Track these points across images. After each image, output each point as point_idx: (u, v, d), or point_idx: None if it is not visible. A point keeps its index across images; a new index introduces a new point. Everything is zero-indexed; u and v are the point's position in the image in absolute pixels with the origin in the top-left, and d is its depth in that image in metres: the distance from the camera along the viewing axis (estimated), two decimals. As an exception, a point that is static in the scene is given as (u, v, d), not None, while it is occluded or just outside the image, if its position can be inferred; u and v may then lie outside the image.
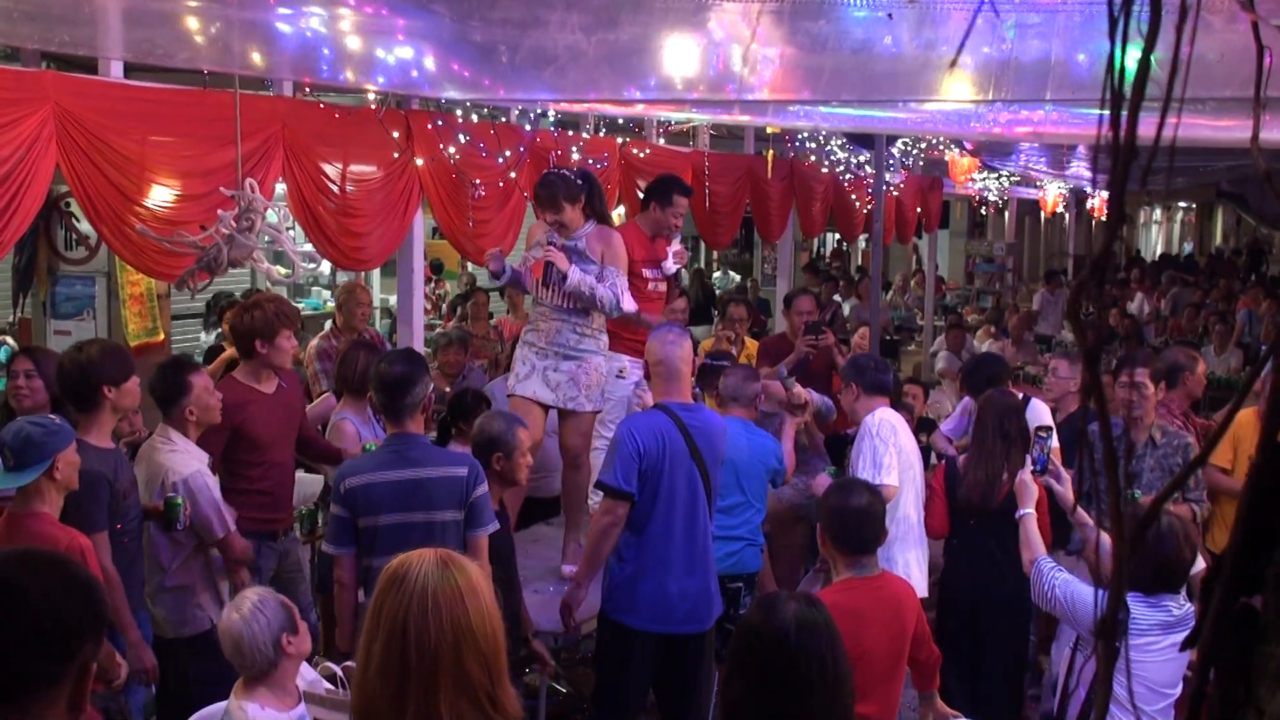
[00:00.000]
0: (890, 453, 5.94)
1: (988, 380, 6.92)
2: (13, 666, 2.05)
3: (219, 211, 5.89)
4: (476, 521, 4.98)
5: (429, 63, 6.69)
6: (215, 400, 5.43)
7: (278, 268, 6.37)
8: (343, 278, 12.24)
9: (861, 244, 24.66)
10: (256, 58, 6.14)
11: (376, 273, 14.91)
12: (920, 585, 5.92)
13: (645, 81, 6.93)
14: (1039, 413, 6.72)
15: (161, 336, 8.64)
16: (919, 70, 5.95)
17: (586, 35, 5.41)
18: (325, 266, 12.21)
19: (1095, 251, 0.79)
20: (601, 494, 5.36)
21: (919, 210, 18.07)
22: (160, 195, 6.06)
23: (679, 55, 6.16)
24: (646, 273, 7.22)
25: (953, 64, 5.14)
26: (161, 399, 5.40)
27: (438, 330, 11.35)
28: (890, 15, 4.62)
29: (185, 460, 5.28)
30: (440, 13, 5.43)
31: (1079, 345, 0.98)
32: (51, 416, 4.69)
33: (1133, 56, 0.90)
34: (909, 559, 6.01)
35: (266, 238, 6.06)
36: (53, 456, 4.48)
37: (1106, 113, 0.88)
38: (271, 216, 6.18)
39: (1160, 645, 4.38)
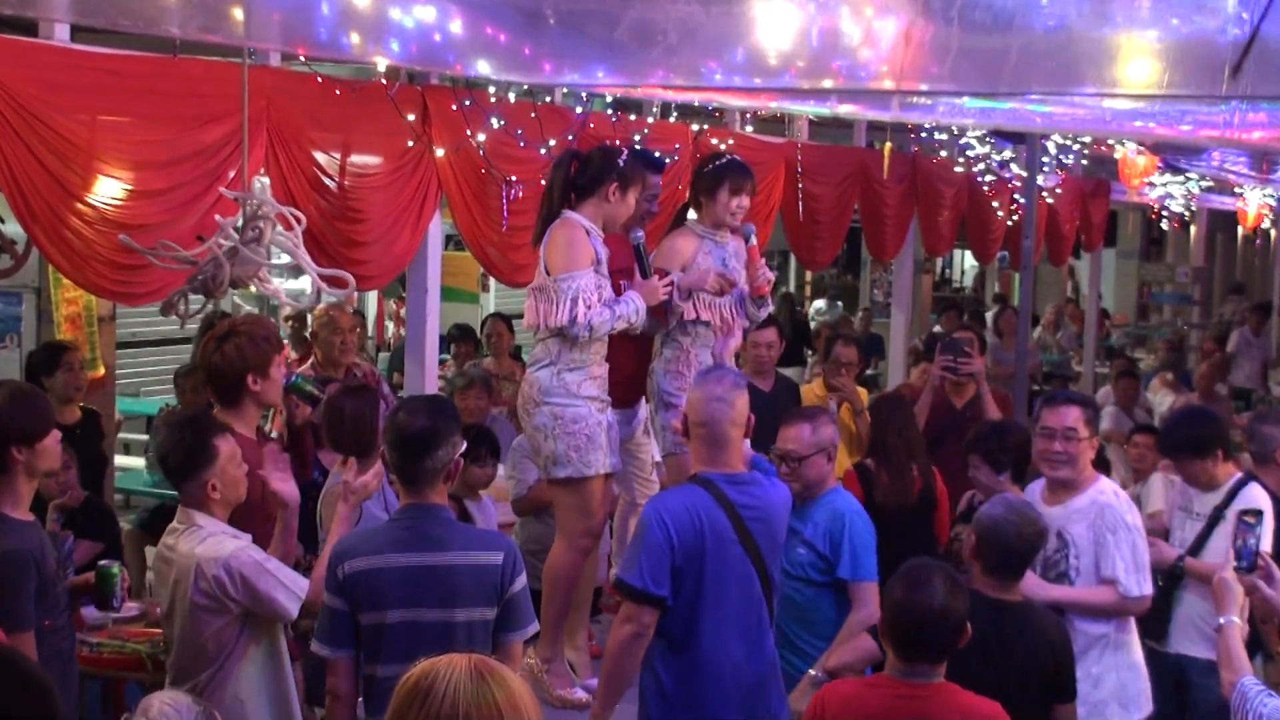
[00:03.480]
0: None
1: (1193, 446, 6.83)
2: None
3: (217, 218, 5.95)
4: (513, 623, 4.94)
5: (456, 27, 6.77)
6: (243, 472, 5.29)
7: (286, 287, 6.39)
8: (328, 297, 12.31)
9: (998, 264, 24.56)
10: (239, 19, 6.23)
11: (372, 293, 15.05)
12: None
13: (731, 60, 6.98)
14: (1253, 498, 6.63)
15: (102, 370, 8.75)
16: (1093, 53, 5.95)
17: (705, 7, 5.45)
18: (307, 284, 12.29)
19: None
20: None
21: (1077, 223, 17.99)
22: (110, 189, 6.16)
23: (781, 31, 6.21)
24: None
25: (1236, 68, 5.08)
26: (176, 470, 5.24)
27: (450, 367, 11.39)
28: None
29: (219, 541, 5.12)
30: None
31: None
32: None
33: None
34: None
35: (282, 253, 6.11)
36: None
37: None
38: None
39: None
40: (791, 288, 23.67)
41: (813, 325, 19.19)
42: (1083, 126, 11.56)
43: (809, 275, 24.51)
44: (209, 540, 5.13)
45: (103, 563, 5.44)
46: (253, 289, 6.07)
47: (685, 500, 5.28)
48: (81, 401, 8.14)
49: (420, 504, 4.97)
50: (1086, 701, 6.08)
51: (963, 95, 8.08)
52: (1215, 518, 6.75)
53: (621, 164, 6.30)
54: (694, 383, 5.65)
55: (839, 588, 5.91)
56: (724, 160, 6.88)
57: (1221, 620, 5.17)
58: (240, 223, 6.19)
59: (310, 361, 8.55)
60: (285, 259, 6.19)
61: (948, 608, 4.49)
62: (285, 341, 8.68)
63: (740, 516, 5.20)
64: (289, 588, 5.15)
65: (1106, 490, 6.33)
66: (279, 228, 5.90)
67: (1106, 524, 6.13)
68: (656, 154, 7.51)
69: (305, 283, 7.43)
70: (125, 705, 6.93)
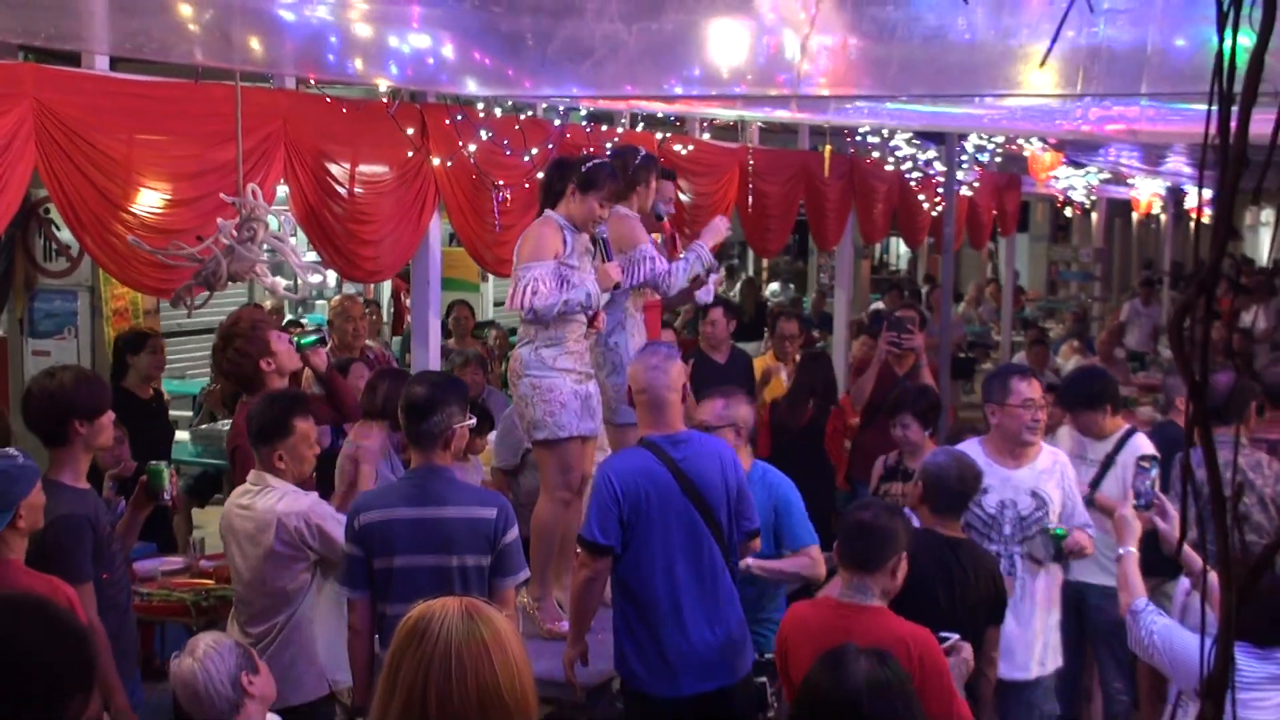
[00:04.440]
0: None
1: (1087, 400, 6.85)
2: None
3: (218, 220, 5.93)
4: (505, 569, 4.99)
5: (447, 52, 6.73)
6: (313, 454, 5.38)
7: (280, 280, 6.38)
8: (350, 289, 12.30)
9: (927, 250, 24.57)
10: (256, 49, 6.19)
11: (386, 284, 15.01)
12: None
13: (689, 74, 6.93)
14: (1140, 445, 6.66)
15: (148, 356, 8.71)
16: (997, 61, 5.93)
17: (626, 24, 5.43)
18: (331, 278, 12.23)
19: (1205, 267, 0.79)
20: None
21: (994, 212, 18.01)
22: (149, 200, 6.14)
23: (727, 45, 6.16)
24: None
25: (1043, 62, 5.13)
26: (255, 435, 5.34)
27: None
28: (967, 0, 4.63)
29: (296, 498, 5.23)
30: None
31: (1182, 372, 0.98)
32: (12, 453, 4.56)
33: (1242, 46, 0.90)
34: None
35: (269, 249, 6.10)
36: (15, 505, 4.37)
37: (1212, 108, 0.89)
38: (273, 224, 6.22)
39: (1271, 702, 4.36)
40: (751, 273, 23.65)
41: (770, 305, 19.16)
42: (987, 126, 11.60)
43: (765, 262, 24.51)
44: (287, 497, 5.23)
45: (152, 463, 5.44)
46: (245, 283, 6.04)
47: (631, 461, 5.31)
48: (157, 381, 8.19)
49: (427, 465, 5.05)
50: (1051, 645, 6.08)
51: (886, 99, 8.07)
52: (1106, 464, 6.76)
53: (584, 170, 6.25)
54: (636, 357, 5.67)
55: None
56: (642, 154, 6.77)
57: (1121, 551, 5.21)
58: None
59: (328, 346, 8.52)
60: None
61: (881, 520, 4.57)
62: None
63: (681, 470, 5.20)
64: None
65: (1057, 450, 6.33)
66: (270, 228, 5.88)
67: (1069, 480, 6.14)
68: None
69: (332, 278, 7.42)
70: (153, 648, 6.94)
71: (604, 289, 6.23)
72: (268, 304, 11.02)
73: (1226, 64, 0.85)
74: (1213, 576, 4.29)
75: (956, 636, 4.85)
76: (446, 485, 5.04)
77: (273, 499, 5.22)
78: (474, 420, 5.30)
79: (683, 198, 10.18)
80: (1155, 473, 5.44)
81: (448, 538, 4.92)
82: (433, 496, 4.98)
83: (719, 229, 6.93)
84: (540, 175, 7.56)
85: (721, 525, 5.28)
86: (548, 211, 6.23)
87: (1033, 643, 5.87)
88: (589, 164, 6.23)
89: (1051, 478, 6.04)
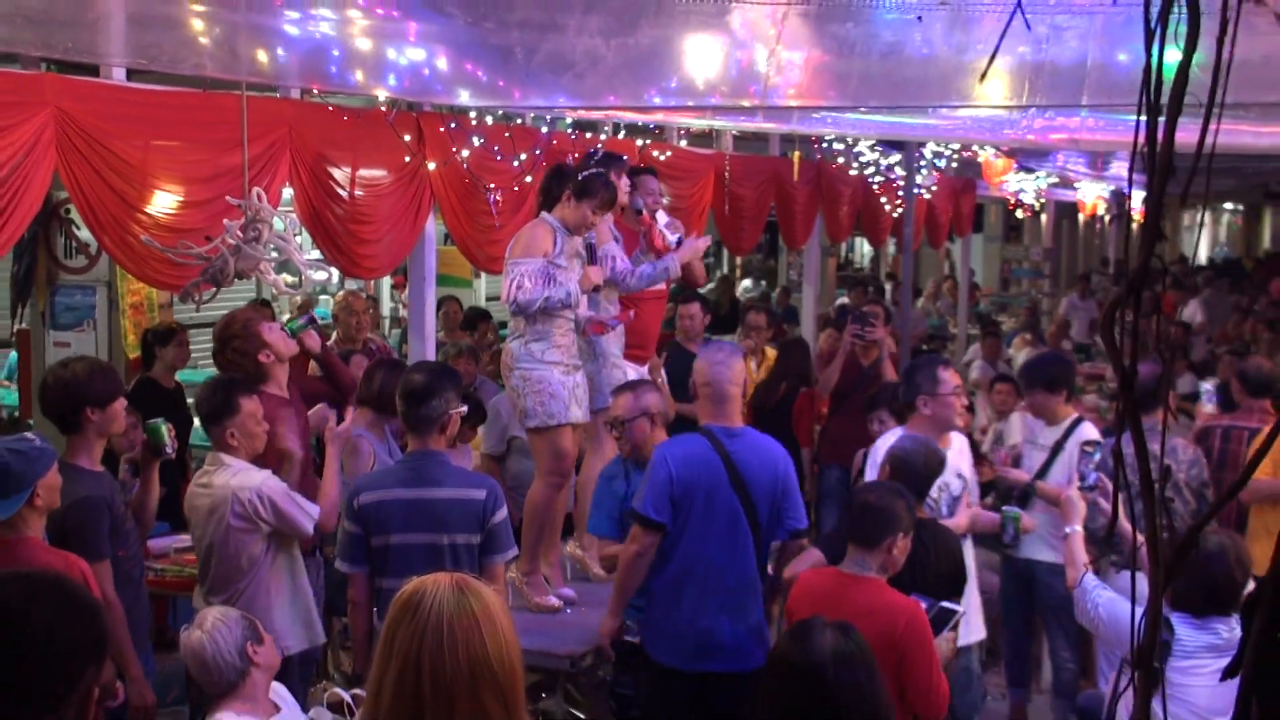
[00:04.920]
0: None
1: (1048, 381, 6.85)
2: (12, 695, 2.07)
3: (225, 221, 5.91)
4: (494, 547, 4.99)
5: (442, 64, 6.71)
6: (262, 429, 5.31)
7: (284, 278, 6.34)
8: (351, 285, 12.26)
9: (891, 249, 24.59)
10: (263, 61, 6.16)
11: (386, 281, 14.98)
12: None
13: (666, 85, 6.93)
14: (1086, 432, 6.68)
15: (162, 348, 8.67)
16: (950, 74, 5.94)
17: (605, 40, 5.43)
18: (333, 275, 12.19)
19: (1133, 267, 0.79)
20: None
21: (951, 214, 18.04)
22: (163, 202, 6.10)
23: (700, 59, 6.16)
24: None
25: (983, 76, 5.14)
26: (205, 418, 5.31)
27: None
28: (920, 18, 4.62)
29: (249, 474, 5.17)
30: (454, 14, 5.47)
31: (1113, 364, 0.98)
32: (30, 437, 4.57)
33: (1172, 58, 0.90)
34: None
35: (274, 248, 6.07)
36: (33, 485, 4.38)
37: (1144, 119, 0.89)
38: (278, 224, 6.18)
39: (1209, 669, 4.36)
40: (725, 270, 23.66)
41: (742, 300, 19.18)
42: (942, 135, 11.68)
43: (739, 260, 24.52)
44: (240, 474, 5.17)
45: (149, 420, 5.41)
46: (253, 279, 5.99)
47: (687, 446, 5.27)
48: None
49: (422, 450, 5.04)
50: (979, 612, 6.12)
51: (848, 110, 8.09)
52: (1056, 449, 6.77)
53: (580, 178, 6.23)
54: (701, 353, 5.63)
55: None
56: (600, 154, 6.69)
57: (1067, 530, 5.24)
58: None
59: (334, 338, 8.50)
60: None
61: (884, 502, 4.59)
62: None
63: (733, 462, 5.16)
64: (306, 510, 5.21)
65: (959, 435, 6.36)
66: (275, 228, 5.85)
67: (970, 459, 6.19)
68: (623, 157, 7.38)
69: (334, 275, 7.34)
70: (167, 620, 6.92)
71: (584, 291, 6.23)
72: (298, 299, 10.94)
73: (1155, 78, 0.84)
74: (1143, 550, 4.32)
75: (963, 611, 4.86)
76: (440, 468, 5.05)
77: (227, 476, 5.17)
78: (466, 408, 5.28)
79: (663, 200, 10.18)
80: (1098, 457, 5.48)
81: (440, 517, 4.92)
82: (427, 479, 4.98)
83: (697, 249, 6.89)
84: (529, 179, 7.63)
85: (761, 520, 5.23)
86: (543, 213, 6.24)
87: (966, 611, 5.91)
88: (585, 173, 6.23)
89: (963, 458, 6.13)
